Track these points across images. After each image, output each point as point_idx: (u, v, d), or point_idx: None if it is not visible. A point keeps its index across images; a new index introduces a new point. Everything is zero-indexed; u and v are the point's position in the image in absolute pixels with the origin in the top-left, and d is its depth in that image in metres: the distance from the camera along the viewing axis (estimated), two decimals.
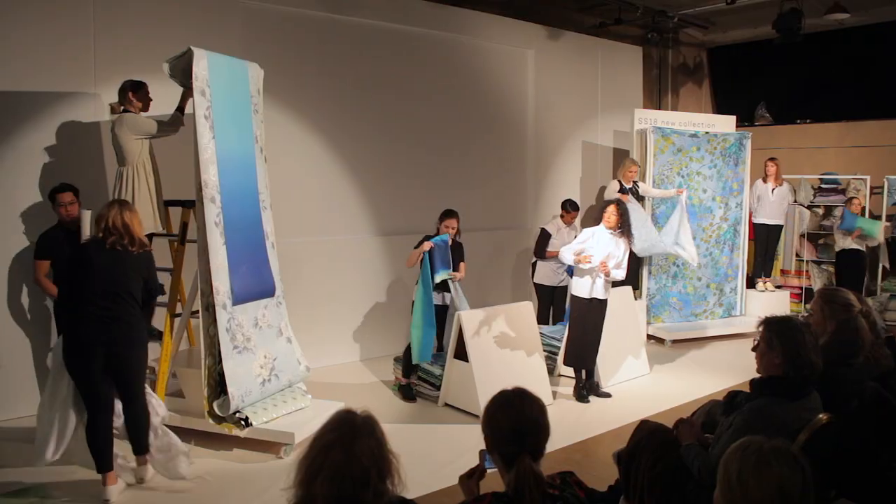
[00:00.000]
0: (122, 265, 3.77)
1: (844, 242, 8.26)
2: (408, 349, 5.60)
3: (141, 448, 3.95)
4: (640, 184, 7.53)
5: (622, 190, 7.33)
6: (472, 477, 2.20)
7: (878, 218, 8.64)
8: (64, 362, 3.72)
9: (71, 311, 3.74)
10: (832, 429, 2.67)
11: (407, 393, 5.66)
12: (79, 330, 3.68)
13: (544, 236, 6.99)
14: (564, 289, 6.84)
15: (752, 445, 1.77)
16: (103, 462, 3.75)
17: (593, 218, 8.42)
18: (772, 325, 2.81)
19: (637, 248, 7.05)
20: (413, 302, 5.49)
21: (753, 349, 2.91)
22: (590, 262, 5.36)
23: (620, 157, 9.08)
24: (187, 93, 4.69)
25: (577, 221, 7.23)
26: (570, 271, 6.71)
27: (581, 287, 5.53)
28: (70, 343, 3.70)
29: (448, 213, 5.79)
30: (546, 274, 6.96)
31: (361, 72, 6.90)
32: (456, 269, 5.67)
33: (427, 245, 5.46)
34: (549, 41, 8.54)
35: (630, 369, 6.28)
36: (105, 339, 3.67)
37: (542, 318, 6.89)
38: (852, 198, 8.45)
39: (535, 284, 7.10)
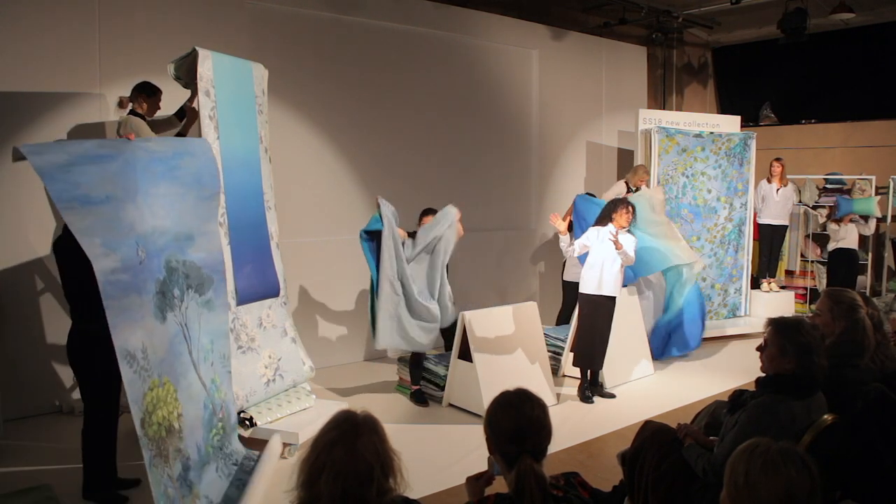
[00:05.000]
0: None
1: (837, 239, 8.28)
2: (414, 354, 5.57)
3: None
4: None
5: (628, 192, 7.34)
6: (480, 480, 2.21)
7: (883, 219, 8.63)
8: None
9: None
10: (837, 430, 2.67)
11: (419, 398, 5.60)
12: None
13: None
14: None
15: (759, 447, 1.77)
16: None
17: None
18: (783, 331, 2.80)
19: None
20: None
21: (759, 349, 2.90)
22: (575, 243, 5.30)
23: (625, 157, 9.07)
24: (191, 118, 4.67)
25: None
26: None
27: (589, 283, 5.50)
28: None
29: (425, 212, 5.72)
30: (578, 272, 6.79)
31: (365, 72, 6.90)
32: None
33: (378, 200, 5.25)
34: (554, 41, 8.54)
35: (634, 370, 6.27)
36: None
37: (566, 318, 6.79)
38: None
39: (566, 282, 6.96)
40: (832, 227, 8.35)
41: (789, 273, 9.28)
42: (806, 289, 9.11)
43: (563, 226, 5.39)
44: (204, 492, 3.47)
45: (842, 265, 8.31)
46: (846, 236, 8.25)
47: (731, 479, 1.76)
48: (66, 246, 3.52)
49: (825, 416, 2.72)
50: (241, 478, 3.87)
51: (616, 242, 5.26)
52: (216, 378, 3.91)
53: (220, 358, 3.98)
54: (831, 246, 8.40)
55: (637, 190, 7.50)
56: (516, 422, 2.05)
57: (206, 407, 3.70)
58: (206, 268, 3.86)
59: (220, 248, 4.04)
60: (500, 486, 2.12)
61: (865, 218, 8.37)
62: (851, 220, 8.26)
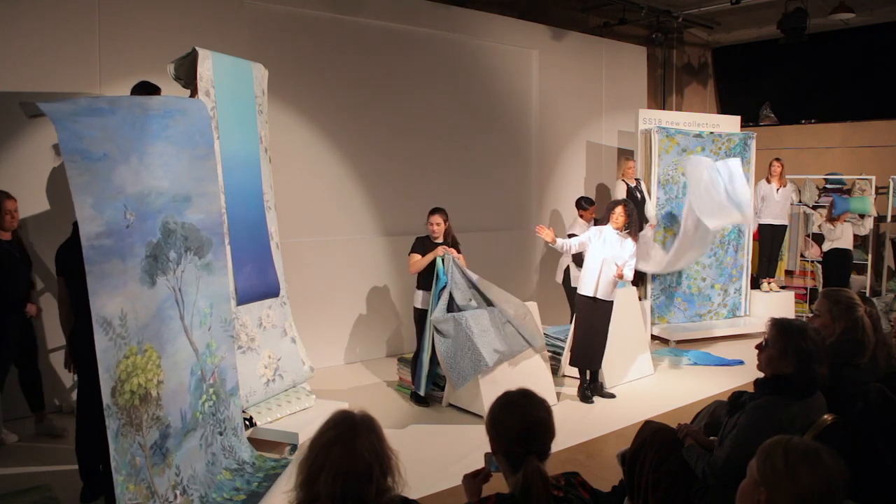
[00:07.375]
0: None
1: (832, 239, 8.30)
2: (416, 355, 5.56)
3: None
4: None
5: (628, 192, 7.34)
6: (477, 478, 2.20)
7: (883, 219, 8.63)
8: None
9: None
10: (837, 430, 2.67)
11: (419, 398, 5.60)
12: None
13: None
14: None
15: (793, 440, 1.79)
16: None
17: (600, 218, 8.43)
18: (787, 334, 2.78)
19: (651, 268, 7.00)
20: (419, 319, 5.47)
21: (758, 347, 2.90)
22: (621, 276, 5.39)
23: (625, 157, 9.07)
24: None
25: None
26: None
27: (586, 285, 5.52)
28: None
29: (432, 210, 5.63)
30: None
31: (366, 72, 6.90)
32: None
33: (440, 250, 5.37)
34: (554, 41, 8.53)
35: (634, 370, 6.27)
36: None
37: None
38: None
39: (572, 288, 6.89)
40: (827, 226, 8.36)
41: (789, 273, 9.28)
42: (806, 289, 9.10)
43: (549, 235, 5.40)
44: (178, 461, 3.43)
45: (837, 265, 8.33)
46: (841, 236, 8.27)
47: (766, 466, 1.75)
48: (73, 247, 3.59)
49: (825, 416, 2.72)
50: (216, 453, 3.84)
51: (620, 276, 5.35)
52: (212, 343, 3.86)
53: (220, 322, 3.93)
54: (826, 246, 8.43)
55: (638, 182, 7.51)
56: (522, 422, 2.04)
57: (192, 373, 3.65)
58: (205, 230, 3.79)
59: (219, 210, 3.97)
60: (498, 482, 2.11)
61: (861, 217, 8.38)
62: (846, 220, 8.27)
